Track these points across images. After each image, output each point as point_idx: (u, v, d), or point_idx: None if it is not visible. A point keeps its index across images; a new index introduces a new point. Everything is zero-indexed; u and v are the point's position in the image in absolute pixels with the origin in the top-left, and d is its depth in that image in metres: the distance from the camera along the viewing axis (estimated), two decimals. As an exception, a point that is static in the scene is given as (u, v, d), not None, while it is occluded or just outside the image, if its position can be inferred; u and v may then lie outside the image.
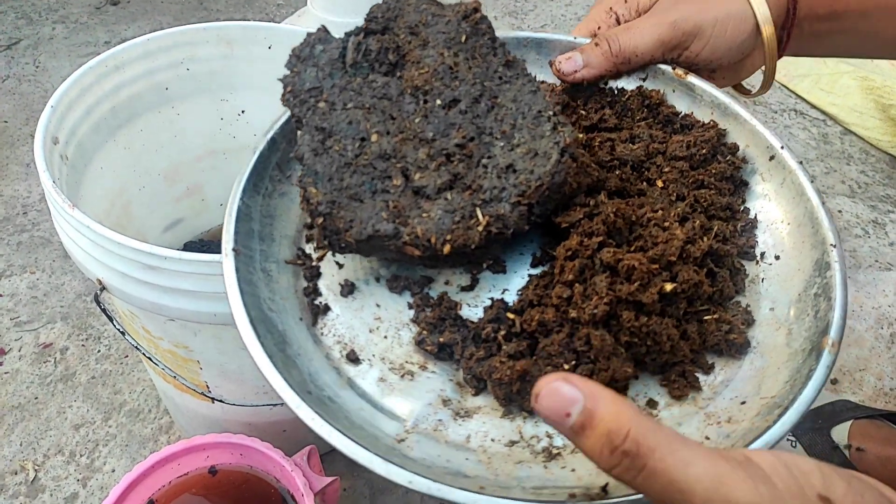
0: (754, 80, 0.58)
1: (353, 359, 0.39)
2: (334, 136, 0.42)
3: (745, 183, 0.47)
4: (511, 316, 0.39)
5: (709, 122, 0.49)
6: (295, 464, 0.63)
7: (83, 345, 0.96)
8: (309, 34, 0.45)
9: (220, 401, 0.69)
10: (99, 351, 0.95)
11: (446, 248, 0.39)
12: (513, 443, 0.36)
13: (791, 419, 0.32)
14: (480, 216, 0.40)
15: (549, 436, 0.36)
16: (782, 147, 0.46)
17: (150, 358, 0.66)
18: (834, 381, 0.98)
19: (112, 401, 0.90)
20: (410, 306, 0.42)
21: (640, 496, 0.29)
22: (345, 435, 0.32)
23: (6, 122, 1.30)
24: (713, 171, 0.46)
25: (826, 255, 0.39)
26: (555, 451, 0.35)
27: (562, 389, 0.27)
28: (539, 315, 0.38)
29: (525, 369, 0.36)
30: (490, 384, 0.37)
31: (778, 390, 0.35)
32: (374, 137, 0.42)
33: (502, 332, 0.38)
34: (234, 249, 0.40)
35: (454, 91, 0.43)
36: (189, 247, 0.93)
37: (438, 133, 0.42)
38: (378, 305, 0.42)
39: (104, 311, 0.61)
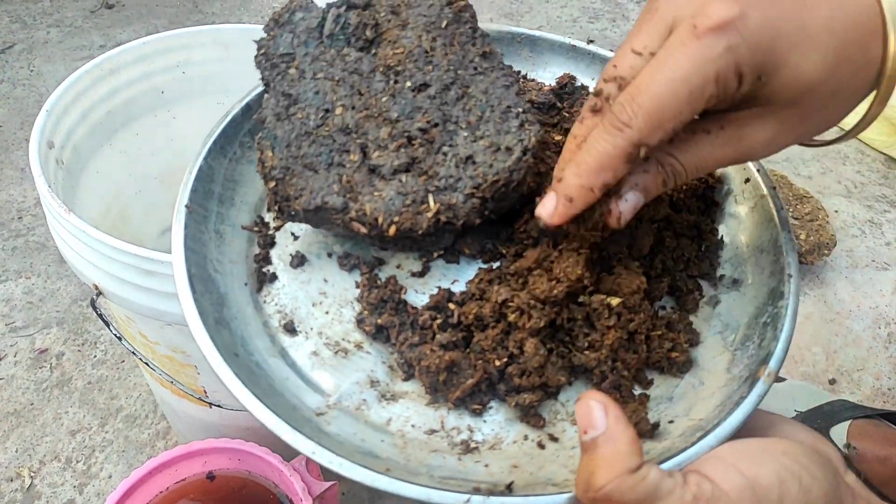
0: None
1: (291, 329, 0.40)
2: (299, 103, 0.43)
3: (717, 203, 0.46)
4: (452, 306, 0.39)
5: None
6: (293, 468, 0.63)
7: (79, 350, 0.95)
8: (291, 0, 0.45)
9: (218, 405, 0.69)
10: (95, 356, 0.95)
11: (392, 230, 0.39)
12: (433, 431, 0.36)
13: (709, 444, 0.32)
14: (432, 203, 0.39)
15: (471, 429, 0.36)
16: (758, 170, 0.45)
17: (147, 363, 0.65)
18: (832, 382, 0.98)
19: (108, 406, 0.89)
20: (357, 285, 0.42)
21: (539, 497, 0.31)
22: (259, 400, 0.33)
23: (0, 126, 1.30)
24: (685, 187, 0.46)
25: (781, 285, 0.39)
26: (473, 445, 0.36)
27: (594, 411, 0.30)
28: (477, 309, 0.38)
29: (453, 360, 0.36)
30: (418, 370, 0.37)
31: (707, 414, 0.35)
32: (338, 110, 0.42)
33: (438, 321, 0.38)
34: (186, 206, 0.41)
35: (426, 75, 0.43)
36: (185, 251, 0.93)
37: (403, 115, 0.42)
38: (325, 281, 0.42)
39: (101, 316, 0.60)
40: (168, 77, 0.78)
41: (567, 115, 0.51)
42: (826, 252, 1.07)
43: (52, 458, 0.84)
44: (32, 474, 0.83)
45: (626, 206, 0.34)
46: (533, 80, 0.54)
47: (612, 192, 0.34)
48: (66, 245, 0.59)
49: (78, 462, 0.84)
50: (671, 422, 0.36)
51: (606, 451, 0.29)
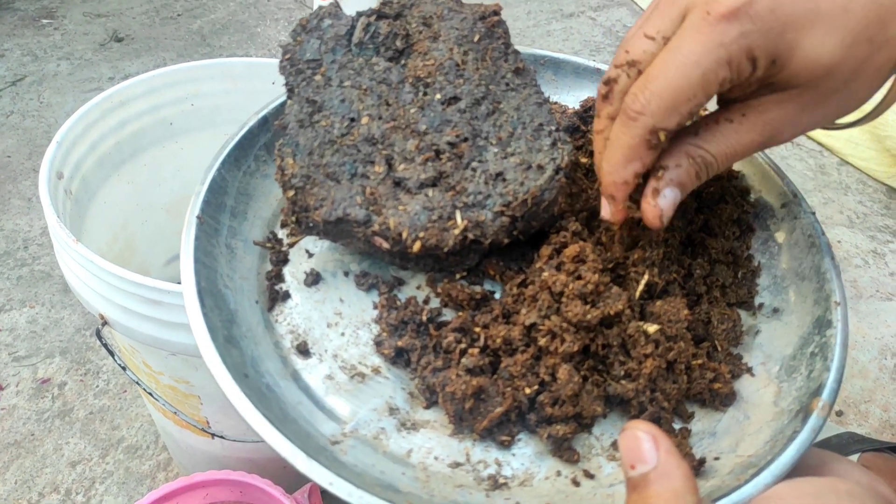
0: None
1: (304, 351, 0.38)
2: (324, 110, 0.41)
3: (752, 229, 0.45)
4: (477, 329, 0.37)
5: None
6: (296, 501, 0.62)
7: (81, 380, 0.95)
8: (320, 7, 0.44)
9: (221, 437, 0.68)
10: (97, 386, 0.94)
11: (416, 246, 0.37)
12: (457, 464, 0.34)
13: (764, 481, 0.30)
14: (459, 219, 0.38)
15: (499, 463, 0.34)
16: (795, 196, 0.44)
17: (150, 393, 0.65)
18: (839, 413, 0.97)
19: (110, 437, 0.89)
20: (375, 306, 0.40)
21: None
22: (272, 425, 0.31)
23: (9, 156, 1.31)
24: (719, 212, 0.44)
25: (828, 313, 0.37)
26: (501, 481, 0.33)
27: (642, 443, 0.27)
28: (505, 332, 0.36)
29: (481, 387, 0.34)
30: (441, 397, 0.35)
31: (756, 450, 0.33)
32: (364, 120, 0.41)
33: (463, 345, 0.36)
34: (198, 217, 0.40)
35: (456, 88, 0.42)
36: (190, 280, 0.93)
37: (432, 127, 0.41)
38: (341, 301, 0.40)
39: (105, 346, 0.60)
40: (177, 109, 0.79)
41: (592, 137, 0.49)
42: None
43: (52, 490, 0.83)
44: (31, 506, 0.82)
45: (666, 202, 0.35)
46: (556, 103, 0.53)
47: (649, 190, 0.34)
48: (73, 275, 0.59)
49: (77, 494, 0.83)
50: (717, 458, 0.34)
51: (660, 488, 0.27)
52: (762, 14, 0.30)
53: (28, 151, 1.33)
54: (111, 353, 0.62)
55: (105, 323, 0.59)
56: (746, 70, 0.31)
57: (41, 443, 0.88)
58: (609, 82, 0.35)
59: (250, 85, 0.80)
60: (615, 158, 0.34)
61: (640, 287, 0.38)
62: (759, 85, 0.33)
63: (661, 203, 0.34)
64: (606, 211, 0.36)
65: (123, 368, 0.63)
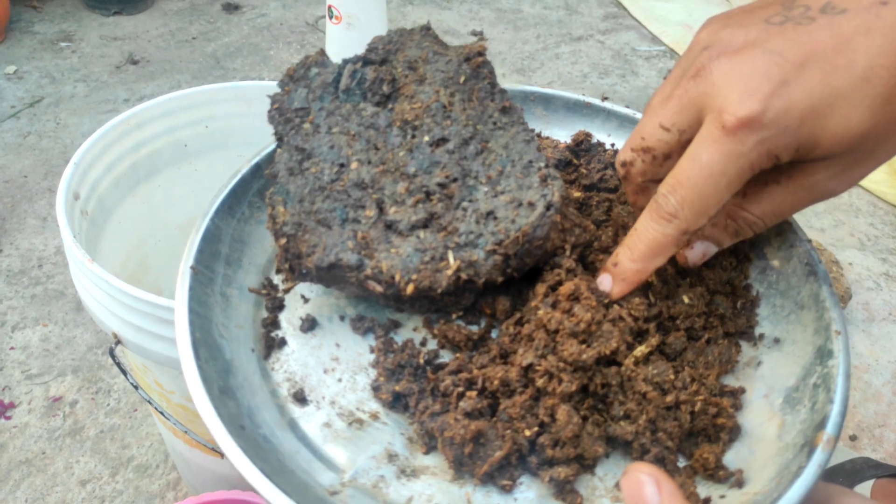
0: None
1: (301, 399, 0.37)
2: (313, 157, 0.41)
3: (749, 258, 0.44)
4: (475, 371, 0.36)
5: None
6: (305, 522, 0.62)
7: (93, 398, 0.95)
8: (307, 56, 0.45)
9: (230, 456, 0.68)
10: (108, 405, 0.95)
11: (410, 288, 0.37)
12: None
13: None
14: (452, 260, 0.38)
15: None
16: (790, 223, 0.43)
17: (161, 412, 0.65)
18: (853, 438, 0.96)
19: (120, 456, 0.89)
20: (372, 350, 0.40)
21: None
22: (267, 478, 0.31)
23: (26, 176, 1.33)
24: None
25: (829, 343, 0.37)
26: None
27: (644, 486, 0.27)
28: (503, 373, 0.35)
29: (480, 430, 0.33)
30: (440, 442, 0.34)
31: (762, 486, 0.33)
32: (353, 165, 0.41)
33: (461, 388, 0.36)
34: (192, 267, 0.40)
35: (444, 130, 0.42)
36: (201, 300, 0.94)
37: (421, 169, 0.41)
38: (338, 345, 0.40)
39: (118, 364, 0.61)
40: (192, 131, 0.80)
41: (584, 171, 0.49)
42: (842, 305, 1.07)
43: (61, 509, 0.83)
44: (41, 525, 0.82)
45: (694, 253, 0.37)
46: (547, 137, 0.53)
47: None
48: (88, 294, 0.60)
49: (87, 513, 0.83)
50: (723, 496, 0.33)
51: None
52: (776, 119, 0.31)
53: (44, 171, 1.35)
54: (124, 372, 0.62)
55: (118, 342, 0.59)
56: (769, 165, 0.32)
57: (52, 461, 0.88)
58: (626, 164, 0.37)
59: (263, 107, 0.80)
60: (642, 249, 0.35)
61: (644, 346, 0.37)
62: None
63: (688, 254, 0.37)
64: (607, 286, 0.37)
65: (136, 387, 0.64)
